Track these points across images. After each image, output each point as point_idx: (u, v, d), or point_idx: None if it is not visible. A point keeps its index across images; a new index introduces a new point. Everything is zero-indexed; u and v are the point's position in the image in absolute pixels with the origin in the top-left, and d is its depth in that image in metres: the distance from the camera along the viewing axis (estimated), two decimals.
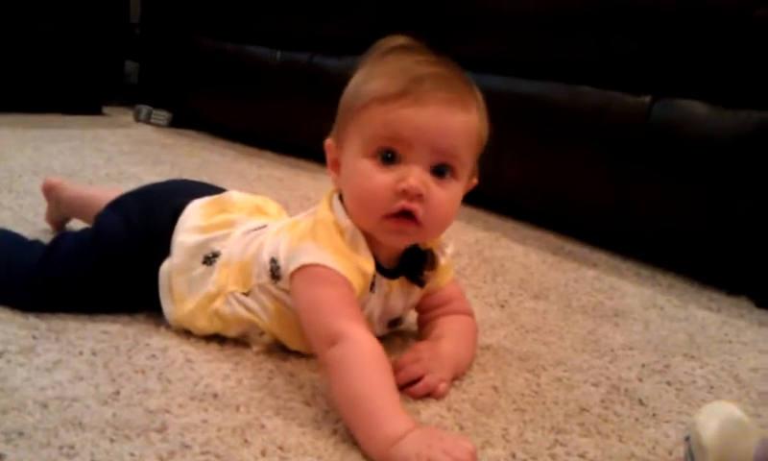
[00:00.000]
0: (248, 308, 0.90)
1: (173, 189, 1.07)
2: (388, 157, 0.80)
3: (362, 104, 0.81)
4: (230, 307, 0.91)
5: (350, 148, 0.83)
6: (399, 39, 0.87)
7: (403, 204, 0.80)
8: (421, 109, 0.79)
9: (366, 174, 0.81)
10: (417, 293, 0.94)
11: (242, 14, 2.47)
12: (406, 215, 0.81)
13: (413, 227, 0.82)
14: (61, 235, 1.09)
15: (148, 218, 0.98)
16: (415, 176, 0.79)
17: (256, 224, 0.96)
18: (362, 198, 0.82)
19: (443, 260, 0.93)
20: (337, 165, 0.86)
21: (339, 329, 0.77)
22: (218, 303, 0.91)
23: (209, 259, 0.93)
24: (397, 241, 0.86)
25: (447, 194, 0.82)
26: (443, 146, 0.81)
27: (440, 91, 0.80)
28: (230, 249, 0.93)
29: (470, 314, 0.97)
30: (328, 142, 0.88)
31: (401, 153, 0.80)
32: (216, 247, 0.94)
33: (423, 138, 0.79)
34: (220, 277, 0.92)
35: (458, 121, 0.81)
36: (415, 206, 0.80)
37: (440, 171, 0.81)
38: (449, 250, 0.94)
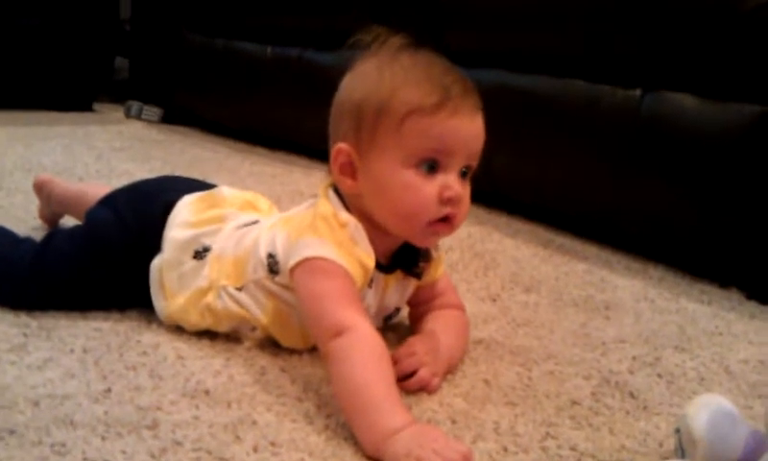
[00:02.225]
0: (240, 304, 0.90)
1: (164, 186, 1.06)
2: (431, 167, 0.82)
3: (399, 116, 0.81)
4: (222, 302, 0.91)
5: (384, 160, 0.83)
6: (395, 39, 0.87)
7: (448, 211, 0.83)
8: (459, 119, 0.82)
9: (412, 186, 0.82)
10: (411, 287, 0.94)
11: (232, 10, 2.46)
12: (443, 219, 0.84)
13: (448, 228, 0.85)
14: (53, 232, 1.09)
15: (139, 214, 0.98)
16: (456, 183, 0.83)
17: (248, 219, 0.96)
18: (409, 209, 0.83)
19: (434, 253, 0.94)
20: (352, 171, 0.85)
21: (343, 321, 0.77)
22: (209, 298, 0.91)
23: (200, 254, 0.93)
24: (432, 242, 0.91)
25: (468, 192, 0.86)
26: (474, 150, 0.85)
27: (467, 97, 0.83)
28: (222, 243, 0.93)
29: (462, 308, 0.98)
30: (341, 147, 0.85)
31: (441, 161, 0.82)
32: (206, 242, 0.94)
33: (463, 147, 0.83)
34: (211, 271, 0.92)
35: (481, 124, 0.85)
36: (456, 212, 0.84)
37: (464, 173, 0.85)
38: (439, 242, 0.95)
